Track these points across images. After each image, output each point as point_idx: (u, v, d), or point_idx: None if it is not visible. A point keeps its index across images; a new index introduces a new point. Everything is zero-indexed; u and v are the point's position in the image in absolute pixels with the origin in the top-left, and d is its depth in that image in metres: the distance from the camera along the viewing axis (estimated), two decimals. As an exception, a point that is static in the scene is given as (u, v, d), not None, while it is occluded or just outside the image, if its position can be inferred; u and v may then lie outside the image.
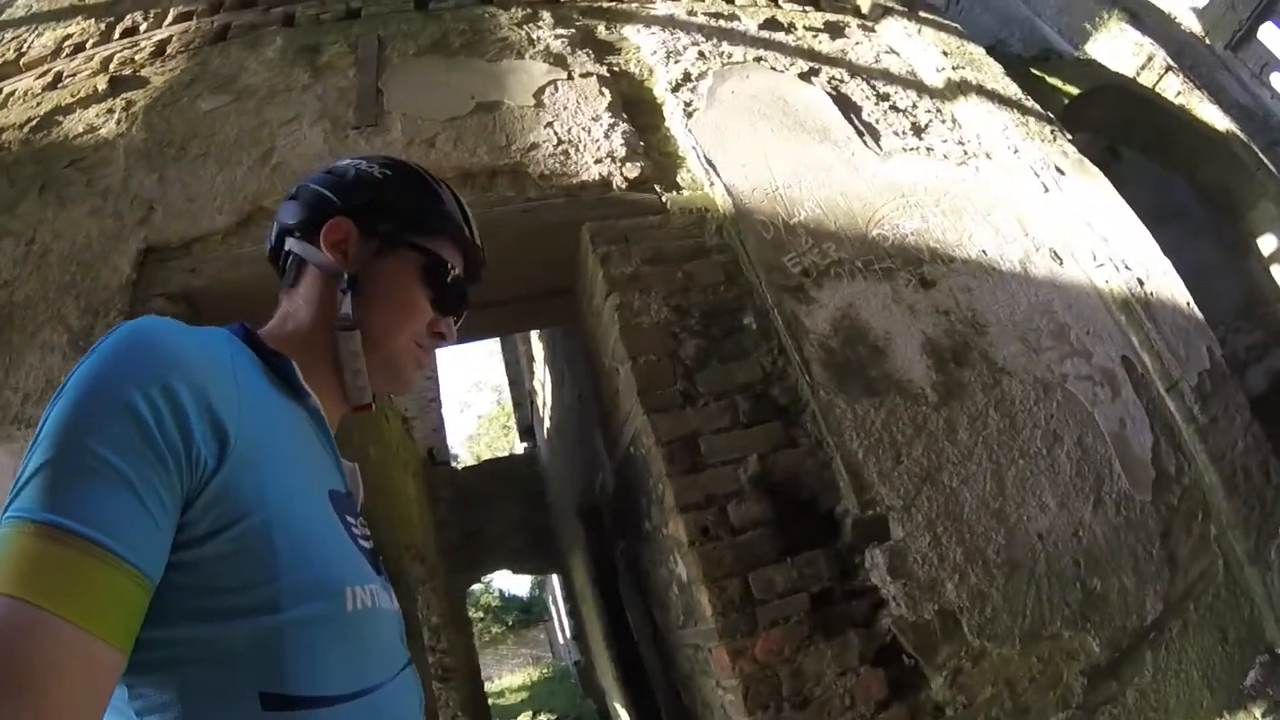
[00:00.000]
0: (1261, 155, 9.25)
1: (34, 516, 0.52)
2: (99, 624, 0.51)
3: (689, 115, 3.55)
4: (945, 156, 4.07)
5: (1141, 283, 4.02)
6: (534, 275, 3.44)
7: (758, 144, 3.43)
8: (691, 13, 4.42)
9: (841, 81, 4.25)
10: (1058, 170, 4.33)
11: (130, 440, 0.57)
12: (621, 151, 3.29)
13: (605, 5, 4.26)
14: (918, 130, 4.17)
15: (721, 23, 4.41)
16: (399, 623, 0.81)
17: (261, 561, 0.63)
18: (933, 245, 3.46)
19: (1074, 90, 6.35)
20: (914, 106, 4.38)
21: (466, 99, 3.30)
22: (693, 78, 3.81)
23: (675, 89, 3.71)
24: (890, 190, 3.54)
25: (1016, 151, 4.32)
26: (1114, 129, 7.82)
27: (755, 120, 3.57)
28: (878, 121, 4.05)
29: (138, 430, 0.58)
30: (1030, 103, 4.93)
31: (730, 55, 4.10)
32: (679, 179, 3.35)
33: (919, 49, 4.86)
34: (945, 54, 4.86)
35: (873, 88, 4.33)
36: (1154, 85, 9.19)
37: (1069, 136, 4.86)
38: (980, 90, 4.68)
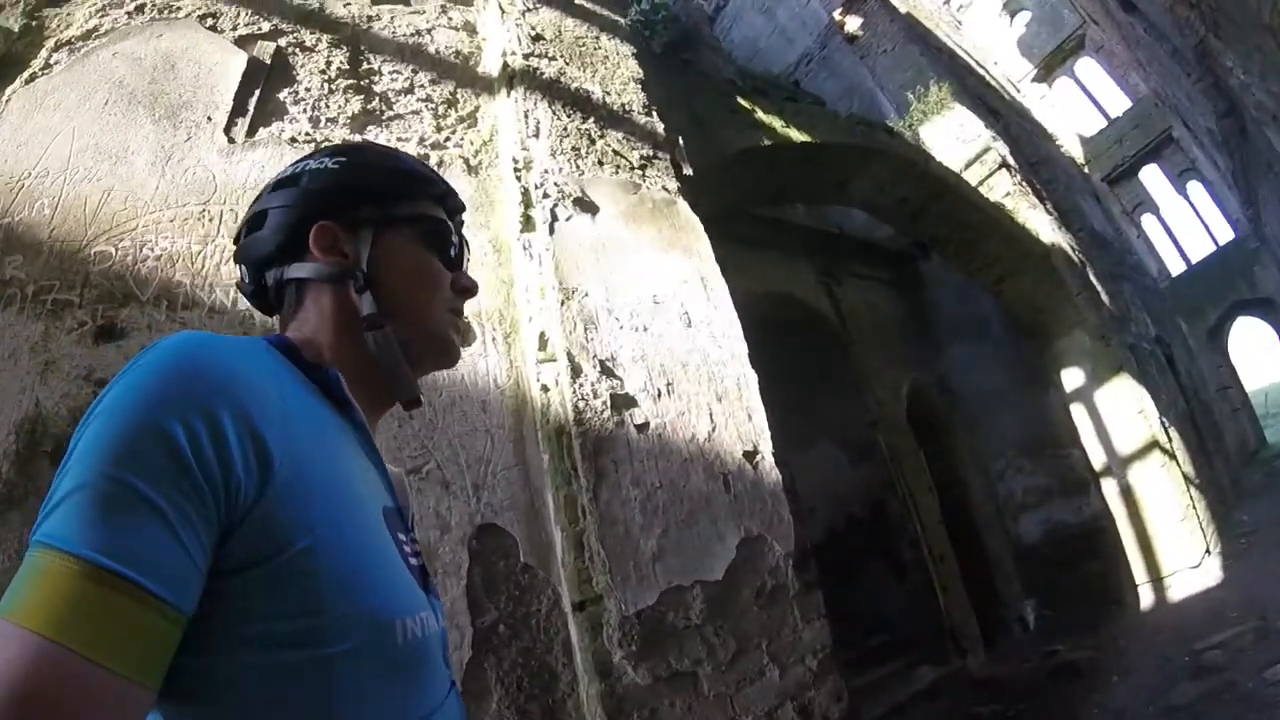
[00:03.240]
0: (1094, 280, 7.73)
1: (69, 549, 0.48)
2: (131, 666, 0.48)
3: (30, 81, 2.36)
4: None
5: (633, 403, 2.17)
6: None
7: (73, 121, 2.33)
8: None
9: (310, 49, 2.81)
10: (579, 204, 2.55)
11: (166, 472, 0.51)
12: None
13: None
14: (367, 119, 2.69)
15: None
16: (444, 642, 0.71)
17: (305, 593, 0.55)
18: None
19: (799, 136, 4.63)
20: (407, 91, 2.87)
21: None
22: (97, 34, 2.57)
23: (58, 48, 2.47)
24: (200, 193, 2.27)
25: (523, 168, 2.57)
26: (895, 210, 6.17)
27: (109, 90, 2.44)
28: (303, 101, 2.66)
29: (174, 461, 0.51)
30: (642, 120, 3.19)
31: (175, 8, 2.74)
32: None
33: (504, 30, 3.13)
34: (537, 38, 3.20)
35: (358, 63, 2.86)
36: (982, 180, 7.69)
37: (680, 173, 3.11)
38: (549, 87, 3.04)
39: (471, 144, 2.82)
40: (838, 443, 7.14)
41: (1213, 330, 14.61)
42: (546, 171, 2.62)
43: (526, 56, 3.08)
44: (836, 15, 9.97)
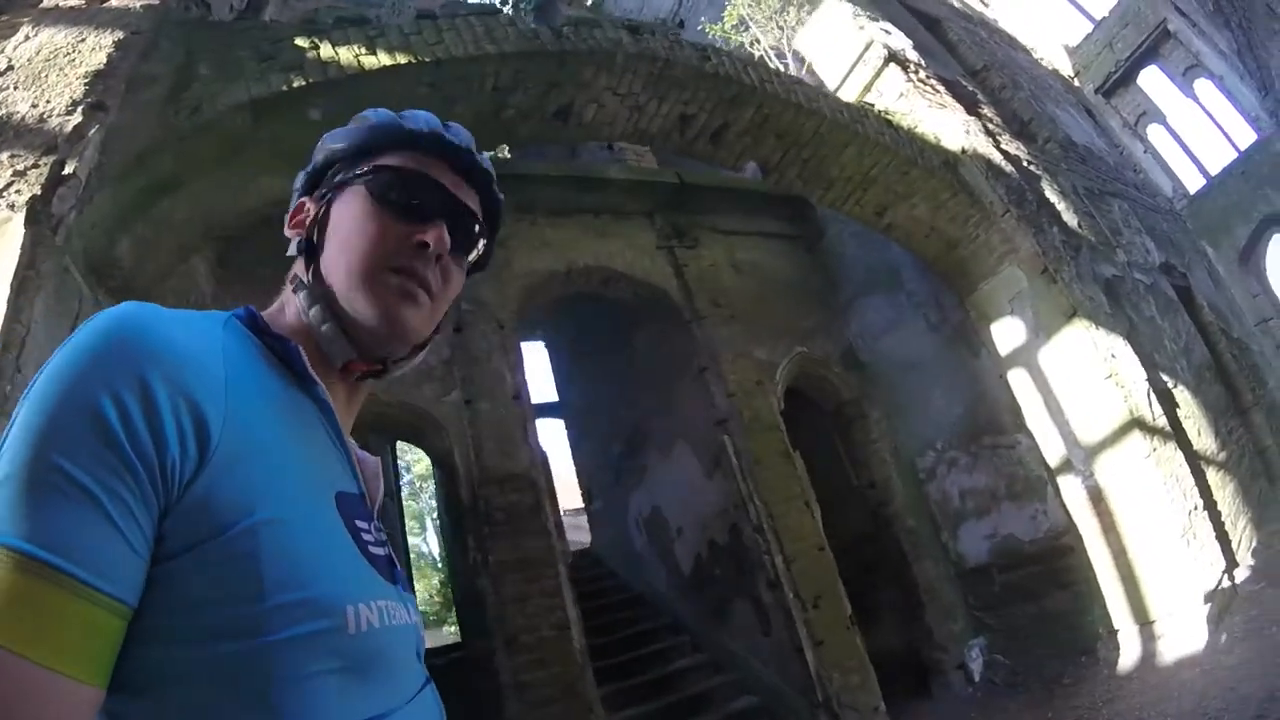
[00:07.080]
0: (1050, 195, 5.42)
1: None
2: (68, 662, 0.42)
3: None
4: None
5: None
6: None
7: None
8: None
9: None
10: None
11: (97, 452, 0.45)
12: None
13: None
14: None
15: None
16: (416, 638, 0.64)
17: (245, 578, 0.48)
18: None
19: (384, 61, 2.65)
20: None
21: None
22: None
23: None
24: None
25: None
26: (679, 134, 4.06)
27: None
28: None
29: (105, 440, 0.45)
30: (54, 122, 2.34)
31: None
32: None
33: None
34: (7, 70, 2.47)
35: None
36: (868, 84, 5.50)
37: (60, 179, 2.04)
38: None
39: None
40: (694, 447, 5.10)
41: (1244, 252, 11.67)
42: None
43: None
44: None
